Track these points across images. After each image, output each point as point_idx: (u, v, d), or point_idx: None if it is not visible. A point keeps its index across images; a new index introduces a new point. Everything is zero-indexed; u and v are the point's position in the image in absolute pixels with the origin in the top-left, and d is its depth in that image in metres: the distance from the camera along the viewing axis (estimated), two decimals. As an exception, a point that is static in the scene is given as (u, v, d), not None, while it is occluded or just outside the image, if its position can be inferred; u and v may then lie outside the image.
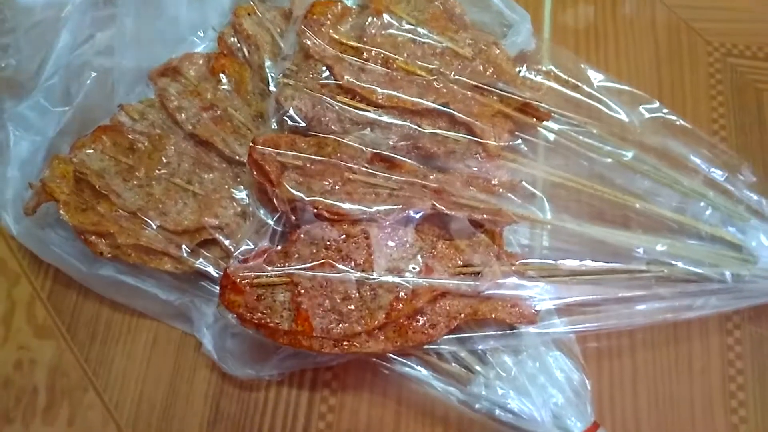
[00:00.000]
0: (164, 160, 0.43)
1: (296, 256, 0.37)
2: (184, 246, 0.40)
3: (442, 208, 0.38)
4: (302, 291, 0.36)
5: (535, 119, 0.42)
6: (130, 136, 0.43)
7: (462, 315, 0.37)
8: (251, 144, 0.38)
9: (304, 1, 0.47)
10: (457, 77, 0.41)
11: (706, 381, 0.40)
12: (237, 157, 0.43)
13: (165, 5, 0.46)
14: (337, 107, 0.40)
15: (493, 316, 0.37)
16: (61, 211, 0.40)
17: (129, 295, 0.42)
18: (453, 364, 0.39)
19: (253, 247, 0.38)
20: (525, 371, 0.38)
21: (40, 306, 0.43)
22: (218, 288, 0.39)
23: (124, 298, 0.42)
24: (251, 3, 0.47)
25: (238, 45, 0.46)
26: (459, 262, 0.38)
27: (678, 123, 0.43)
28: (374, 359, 0.38)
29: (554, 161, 0.42)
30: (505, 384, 0.38)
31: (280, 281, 0.37)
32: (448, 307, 0.37)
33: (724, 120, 0.46)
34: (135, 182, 0.42)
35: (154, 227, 0.40)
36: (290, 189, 0.37)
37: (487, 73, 0.42)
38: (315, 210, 0.38)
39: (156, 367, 0.41)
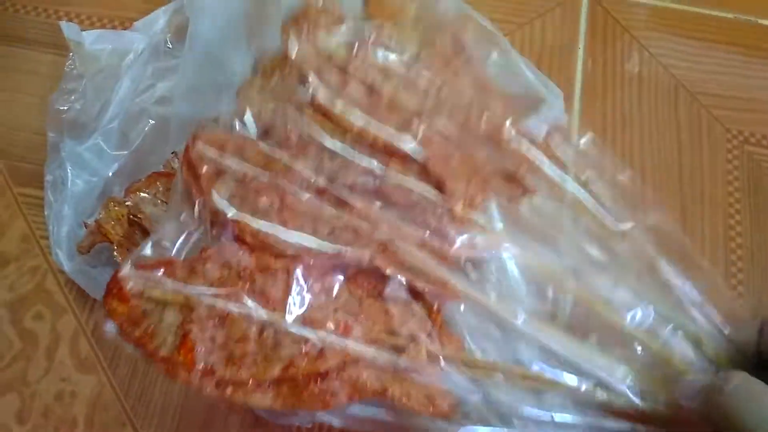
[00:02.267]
0: (214, 209, 0.45)
1: (202, 276, 0.32)
2: (229, 293, 0.42)
3: (382, 265, 0.33)
4: (195, 318, 0.31)
5: (519, 191, 0.37)
6: (182, 183, 0.46)
7: (370, 390, 0.32)
8: (192, 136, 0.34)
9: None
10: (445, 123, 0.36)
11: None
12: (282, 211, 0.45)
13: (224, 61, 0.49)
14: (301, 122, 0.35)
15: (404, 400, 0.32)
16: (115, 253, 0.42)
17: (171, 336, 0.43)
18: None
19: (150, 252, 0.33)
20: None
21: (84, 340, 0.45)
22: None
23: (166, 339, 0.44)
24: (303, 64, 0.50)
25: (289, 103, 0.49)
26: (384, 328, 0.33)
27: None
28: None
29: (525, 241, 0.37)
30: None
31: (174, 300, 0.32)
32: (356, 377, 0.32)
33: (739, 205, 0.49)
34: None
35: (202, 273, 0.42)
36: (218, 200, 0.32)
37: (482, 127, 0.37)
38: (236, 233, 0.32)
39: (192, 407, 0.43)
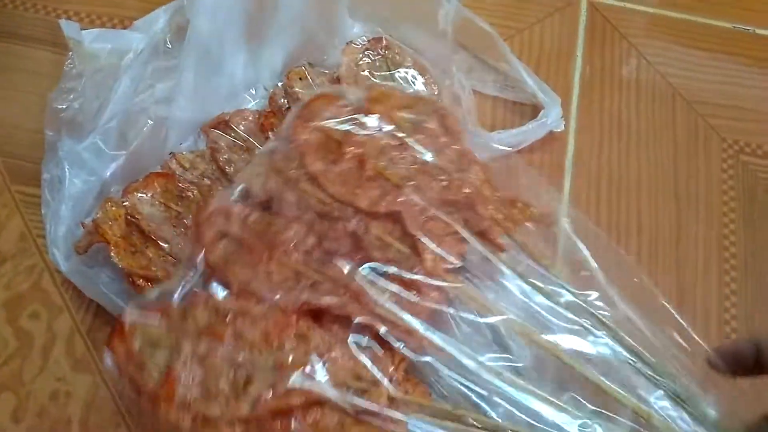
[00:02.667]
0: (211, 210, 0.45)
1: (192, 319, 0.35)
2: (226, 296, 0.42)
3: (352, 312, 0.36)
4: (180, 356, 0.34)
5: (492, 246, 0.40)
6: (180, 184, 0.46)
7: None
8: (198, 205, 0.40)
9: (352, 69, 0.50)
10: (426, 189, 0.40)
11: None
12: (280, 213, 0.45)
13: (223, 63, 0.49)
14: (297, 192, 0.39)
15: None
16: (112, 254, 0.42)
17: (167, 337, 0.43)
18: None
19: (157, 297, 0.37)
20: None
21: (80, 340, 0.45)
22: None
23: (162, 340, 0.44)
24: (303, 68, 0.50)
25: (287, 105, 0.49)
26: (350, 373, 0.35)
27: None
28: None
29: (502, 298, 0.38)
30: None
31: (166, 340, 0.35)
32: (318, 419, 0.33)
33: (734, 214, 0.50)
34: (183, 229, 0.44)
35: (200, 275, 0.43)
36: (215, 255, 0.37)
37: (463, 191, 0.40)
38: (224, 281, 0.36)
39: (187, 409, 0.43)
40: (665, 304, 0.38)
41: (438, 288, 0.37)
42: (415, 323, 0.36)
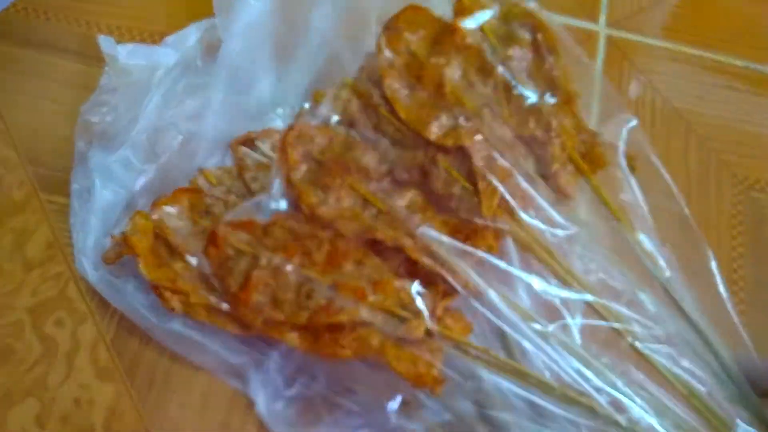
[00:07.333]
0: (237, 227, 0.46)
1: (272, 236, 0.40)
2: (250, 311, 0.43)
3: (407, 247, 0.39)
4: (258, 265, 0.40)
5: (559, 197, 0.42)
6: (207, 200, 0.47)
7: (371, 348, 0.38)
8: (289, 126, 0.41)
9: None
10: (498, 125, 0.41)
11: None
12: (304, 232, 0.46)
13: (252, 83, 0.50)
14: (375, 117, 0.42)
15: (393, 363, 0.37)
16: (141, 266, 0.43)
17: (191, 348, 0.44)
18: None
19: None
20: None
21: (104, 348, 0.45)
22: (275, 352, 0.43)
23: (185, 351, 0.45)
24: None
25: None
26: (396, 301, 0.38)
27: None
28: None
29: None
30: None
31: (248, 251, 0.40)
32: (364, 336, 0.38)
33: (742, 248, 0.51)
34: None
35: (225, 290, 0.44)
36: (295, 178, 0.40)
37: (539, 125, 0.41)
38: (299, 204, 0.40)
39: (207, 420, 0.44)
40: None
41: (493, 233, 0.39)
42: (472, 270, 0.38)
